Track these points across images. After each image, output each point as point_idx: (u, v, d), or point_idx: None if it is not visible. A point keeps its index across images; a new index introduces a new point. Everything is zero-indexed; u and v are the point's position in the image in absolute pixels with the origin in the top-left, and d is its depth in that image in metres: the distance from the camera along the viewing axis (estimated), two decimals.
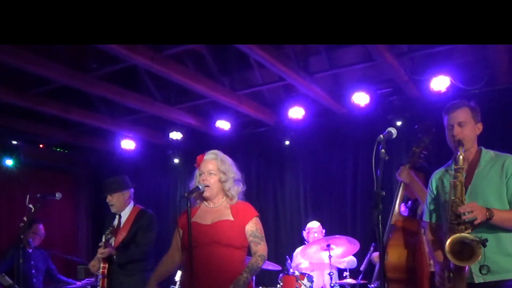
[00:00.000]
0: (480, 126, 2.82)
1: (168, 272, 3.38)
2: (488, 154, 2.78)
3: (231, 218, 3.01)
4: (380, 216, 2.34)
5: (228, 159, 3.15)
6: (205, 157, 3.11)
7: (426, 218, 2.94)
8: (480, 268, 2.55)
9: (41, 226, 5.53)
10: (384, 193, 2.37)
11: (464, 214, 2.51)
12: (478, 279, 2.59)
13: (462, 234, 2.50)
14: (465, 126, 2.74)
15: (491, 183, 2.68)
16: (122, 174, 4.52)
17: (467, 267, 2.54)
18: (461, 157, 2.63)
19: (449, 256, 2.48)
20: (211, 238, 2.95)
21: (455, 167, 2.64)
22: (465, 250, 2.47)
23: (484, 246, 2.42)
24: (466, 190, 2.68)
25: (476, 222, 2.52)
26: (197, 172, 3.11)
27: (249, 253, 3.09)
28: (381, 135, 2.58)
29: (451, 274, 2.58)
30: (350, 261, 5.31)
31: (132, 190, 4.28)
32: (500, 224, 2.58)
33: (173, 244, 3.24)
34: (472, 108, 2.81)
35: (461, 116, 2.75)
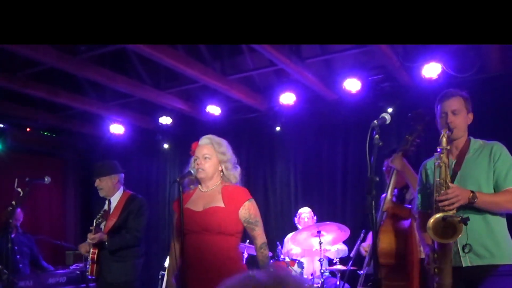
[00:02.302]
0: (471, 116, 2.87)
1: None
2: (477, 142, 2.84)
3: (222, 205, 2.94)
4: (374, 202, 2.32)
5: (224, 142, 3.10)
6: (200, 143, 3.07)
7: (418, 206, 2.97)
8: (464, 247, 2.60)
9: (18, 210, 5.43)
10: (378, 179, 2.35)
11: (445, 196, 2.57)
12: (465, 262, 2.61)
13: (444, 213, 2.54)
14: (458, 114, 2.79)
15: (480, 168, 2.73)
16: (111, 158, 4.46)
17: (451, 247, 2.58)
18: (444, 139, 2.68)
19: (430, 233, 2.52)
20: (201, 226, 2.89)
21: (439, 148, 2.68)
22: (448, 229, 2.51)
23: (465, 224, 2.47)
24: (455, 176, 2.74)
25: (456, 205, 2.56)
26: (192, 160, 3.06)
27: (245, 236, 3.03)
28: (375, 121, 2.55)
29: (435, 255, 2.61)
30: (340, 250, 5.32)
31: (122, 175, 4.22)
32: (485, 207, 2.62)
33: (175, 232, 3.13)
34: (464, 98, 2.85)
35: (454, 104, 2.80)
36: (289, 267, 4.88)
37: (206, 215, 2.92)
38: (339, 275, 5.04)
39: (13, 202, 3.82)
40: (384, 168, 3.97)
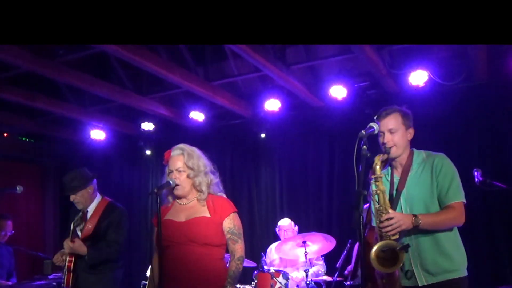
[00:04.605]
0: (411, 131, 2.80)
1: None
2: (420, 156, 2.79)
3: (208, 215, 2.85)
4: (361, 217, 2.21)
5: (196, 152, 2.96)
6: (172, 154, 2.92)
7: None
8: (406, 273, 2.62)
9: (9, 222, 5.24)
10: (366, 193, 2.23)
11: (385, 221, 2.53)
12: (421, 281, 2.62)
13: (387, 241, 2.53)
14: (395, 132, 2.73)
15: (424, 185, 2.69)
16: (92, 165, 4.23)
17: (398, 272, 2.59)
18: (377, 166, 2.63)
19: (374, 264, 2.50)
20: (186, 237, 2.78)
21: (373, 176, 2.65)
22: (391, 256, 2.51)
23: (406, 251, 2.47)
24: (399, 195, 2.72)
25: (399, 230, 2.53)
26: (167, 170, 2.93)
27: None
28: (362, 131, 2.45)
29: (384, 280, 2.62)
30: (318, 272, 5.22)
31: (95, 181, 3.95)
32: (431, 228, 2.60)
33: (155, 245, 2.98)
34: (403, 114, 2.79)
35: (391, 123, 2.74)
36: (274, 278, 4.74)
37: (191, 225, 2.81)
38: (325, 286, 4.93)
39: None
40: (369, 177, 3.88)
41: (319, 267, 5.28)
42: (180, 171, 2.86)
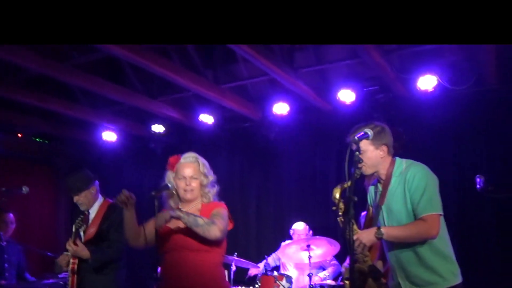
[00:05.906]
0: (384, 148, 2.70)
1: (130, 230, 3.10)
2: (399, 167, 2.71)
3: None
4: (352, 223, 2.21)
5: (206, 161, 3.07)
6: (183, 161, 2.99)
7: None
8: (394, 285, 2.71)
9: (10, 215, 5.31)
10: (356, 199, 2.23)
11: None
12: None
13: (358, 265, 2.66)
14: (363, 154, 2.63)
15: (399, 200, 2.65)
16: (104, 166, 4.28)
17: None
18: (337, 195, 2.71)
19: (345, 283, 2.67)
20: (179, 244, 2.85)
21: (334, 208, 2.73)
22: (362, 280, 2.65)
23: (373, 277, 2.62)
24: (380, 210, 2.72)
25: (366, 249, 2.60)
26: (170, 175, 2.99)
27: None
28: (355, 137, 2.44)
29: None
30: (332, 272, 5.21)
31: (97, 182, 4.02)
32: (398, 240, 2.59)
33: (147, 226, 3.02)
34: (371, 134, 2.64)
35: (356, 145, 2.59)
36: (277, 281, 4.76)
37: (182, 232, 2.86)
38: None
39: None
40: (365, 183, 3.87)
41: (329, 269, 5.26)
42: (194, 178, 2.94)
